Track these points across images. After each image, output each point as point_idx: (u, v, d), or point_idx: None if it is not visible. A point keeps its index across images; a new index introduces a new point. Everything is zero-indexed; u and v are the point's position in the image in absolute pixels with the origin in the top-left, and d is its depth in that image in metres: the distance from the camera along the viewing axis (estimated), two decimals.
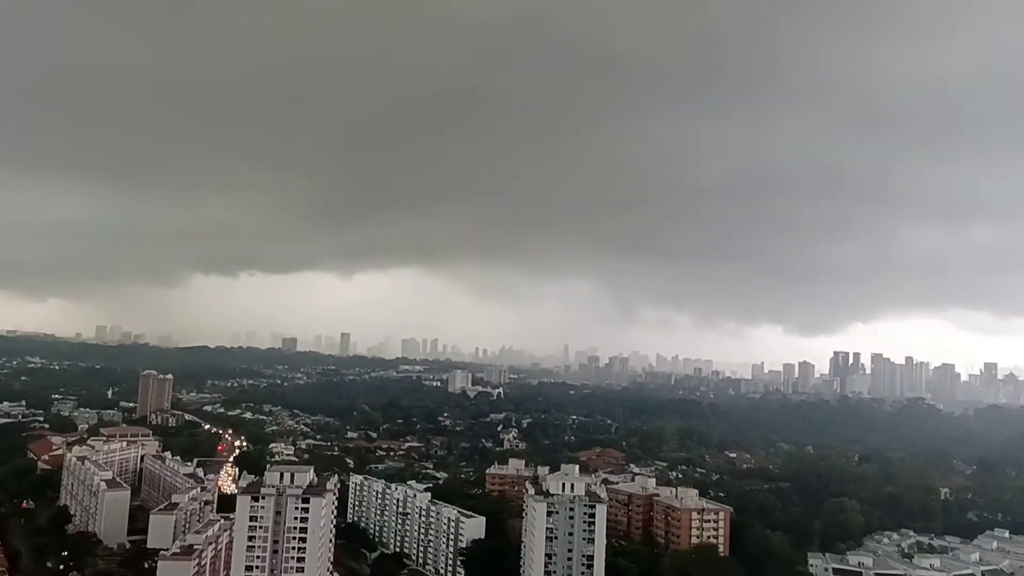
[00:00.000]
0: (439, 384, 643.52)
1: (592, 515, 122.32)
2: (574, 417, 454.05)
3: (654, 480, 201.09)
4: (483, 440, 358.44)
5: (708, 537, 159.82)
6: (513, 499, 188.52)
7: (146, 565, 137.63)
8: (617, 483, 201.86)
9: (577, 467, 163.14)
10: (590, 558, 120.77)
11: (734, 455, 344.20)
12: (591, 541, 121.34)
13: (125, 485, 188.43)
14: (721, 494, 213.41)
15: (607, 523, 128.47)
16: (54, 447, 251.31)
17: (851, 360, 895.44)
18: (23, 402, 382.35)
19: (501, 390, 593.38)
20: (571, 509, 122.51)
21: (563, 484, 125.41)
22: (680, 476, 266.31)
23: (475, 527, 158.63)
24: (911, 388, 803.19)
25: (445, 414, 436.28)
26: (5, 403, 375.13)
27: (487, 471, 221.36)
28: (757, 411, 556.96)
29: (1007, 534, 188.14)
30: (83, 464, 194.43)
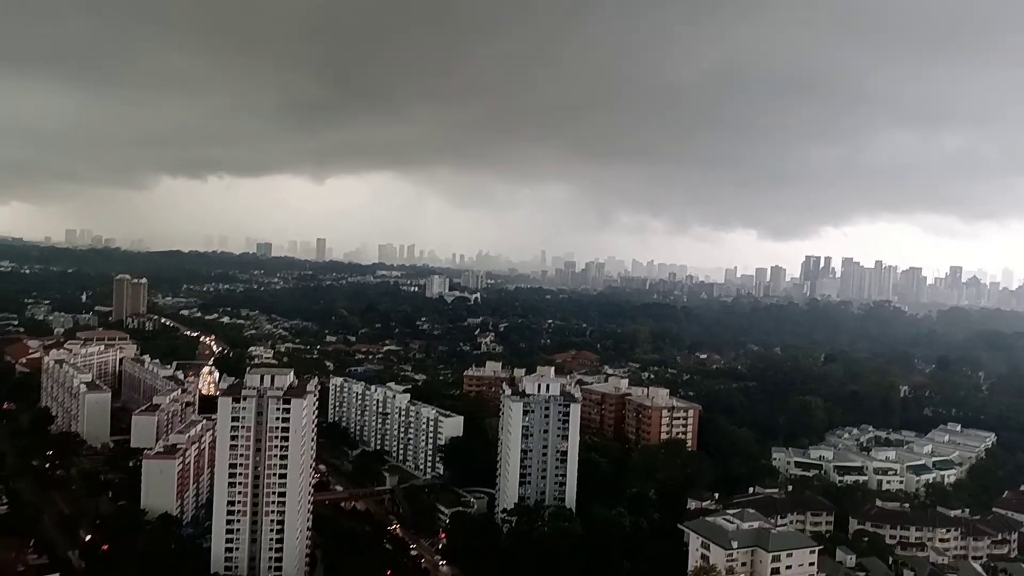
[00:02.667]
0: (417, 289, 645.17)
1: (567, 414, 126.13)
2: (550, 321, 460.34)
3: (627, 381, 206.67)
4: (461, 343, 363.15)
5: (677, 434, 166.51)
6: (490, 400, 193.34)
7: (131, 464, 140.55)
8: (591, 384, 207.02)
9: (552, 369, 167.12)
10: (564, 453, 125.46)
11: (704, 356, 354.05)
12: (565, 438, 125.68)
13: (105, 387, 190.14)
14: (691, 393, 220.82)
15: (581, 421, 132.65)
16: (31, 350, 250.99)
17: (822, 264, 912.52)
18: None
19: (478, 295, 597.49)
20: (546, 408, 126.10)
21: (539, 385, 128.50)
22: (652, 377, 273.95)
23: (453, 426, 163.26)
24: (879, 291, 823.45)
25: (423, 318, 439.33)
26: None
27: (465, 373, 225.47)
28: (729, 315, 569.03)
29: (959, 428, 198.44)
30: (62, 367, 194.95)
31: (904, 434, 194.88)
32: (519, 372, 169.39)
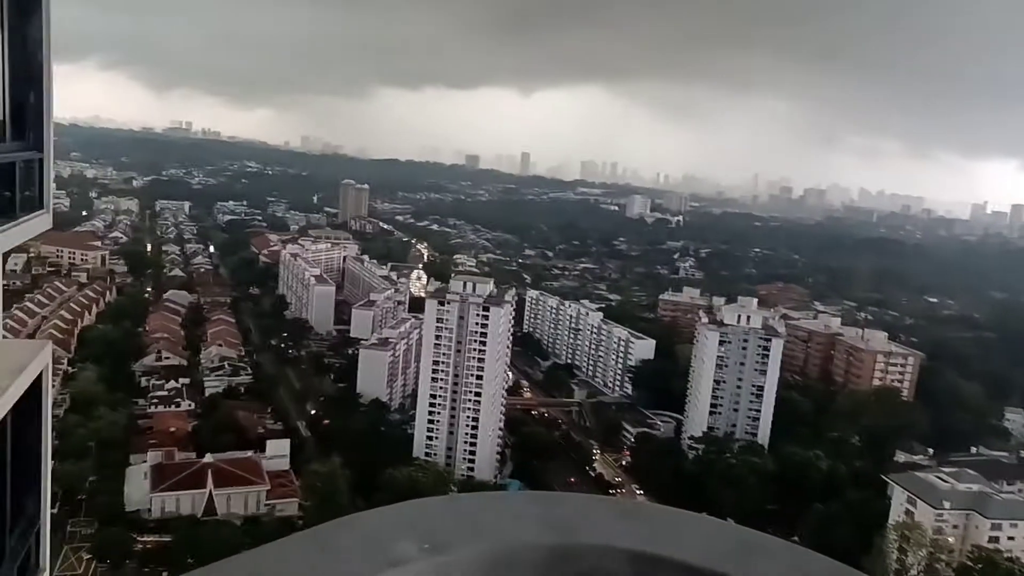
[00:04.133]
0: (617, 208, 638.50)
1: (767, 348, 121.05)
2: (757, 250, 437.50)
3: (839, 320, 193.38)
4: (658, 267, 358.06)
5: (892, 382, 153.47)
6: (685, 327, 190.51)
7: (349, 351, 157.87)
8: (798, 320, 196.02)
9: (756, 300, 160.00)
10: (760, 388, 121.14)
11: (935, 301, 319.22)
12: (763, 372, 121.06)
13: (331, 281, 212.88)
14: (913, 339, 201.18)
15: (782, 358, 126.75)
16: (271, 243, 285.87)
17: None
18: (244, 202, 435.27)
19: (681, 218, 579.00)
20: (745, 340, 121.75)
21: (739, 315, 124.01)
22: (869, 318, 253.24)
23: (645, 348, 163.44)
24: None
25: (621, 238, 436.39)
26: (231, 202, 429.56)
27: (660, 297, 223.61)
28: (970, 256, 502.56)
29: None
30: (296, 260, 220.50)
31: None
32: (718, 301, 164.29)
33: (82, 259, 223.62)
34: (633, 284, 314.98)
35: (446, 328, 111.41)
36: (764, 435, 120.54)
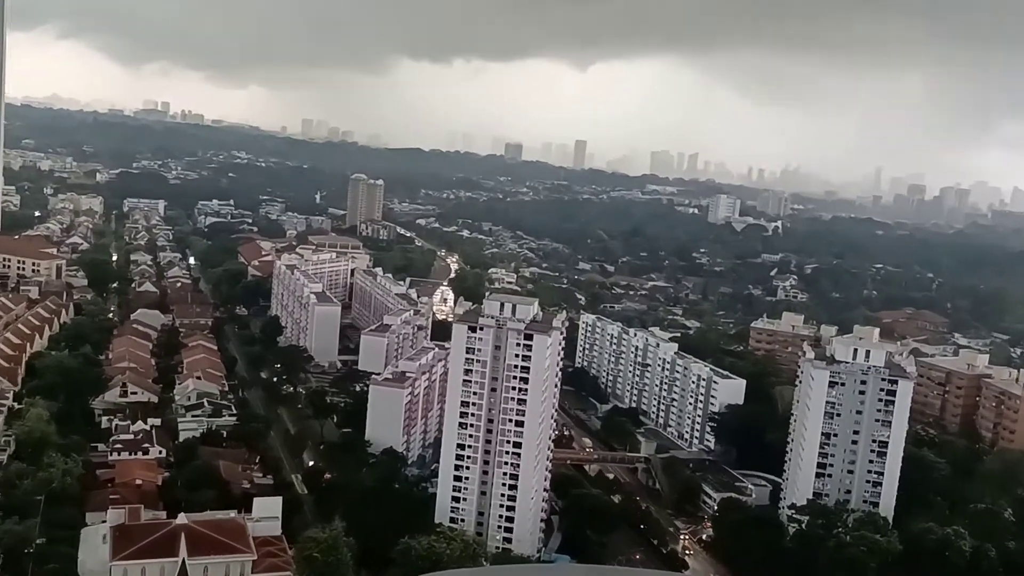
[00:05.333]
0: (696, 212, 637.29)
1: (892, 392, 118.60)
2: (879, 265, 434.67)
3: (987, 357, 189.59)
4: (750, 286, 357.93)
5: None
6: (784, 362, 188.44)
7: (357, 387, 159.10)
8: (932, 356, 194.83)
9: (877, 331, 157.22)
10: (883, 444, 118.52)
11: None
12: (887, 424, 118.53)
13: (335, 300, 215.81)
14: None
15: (912, 405, 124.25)
16: (263, 252, 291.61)
17: None
18: (231, 201, 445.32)
19: (779, 224, 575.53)
20: (862, 382, 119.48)
21: (855, 350, 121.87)
22: None
23: (732, 390, 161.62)
24: None
25: (702, 250, 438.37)
26: (215, 200, 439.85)
27: (752, 325, 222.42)
28: None
29: None
30: (293, 273, 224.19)
31: None
32: (828, 331, 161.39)
33: (33, 270, 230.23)
34: (717, 308, 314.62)
35: (478, 361, 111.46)
36: (888, 506, 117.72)
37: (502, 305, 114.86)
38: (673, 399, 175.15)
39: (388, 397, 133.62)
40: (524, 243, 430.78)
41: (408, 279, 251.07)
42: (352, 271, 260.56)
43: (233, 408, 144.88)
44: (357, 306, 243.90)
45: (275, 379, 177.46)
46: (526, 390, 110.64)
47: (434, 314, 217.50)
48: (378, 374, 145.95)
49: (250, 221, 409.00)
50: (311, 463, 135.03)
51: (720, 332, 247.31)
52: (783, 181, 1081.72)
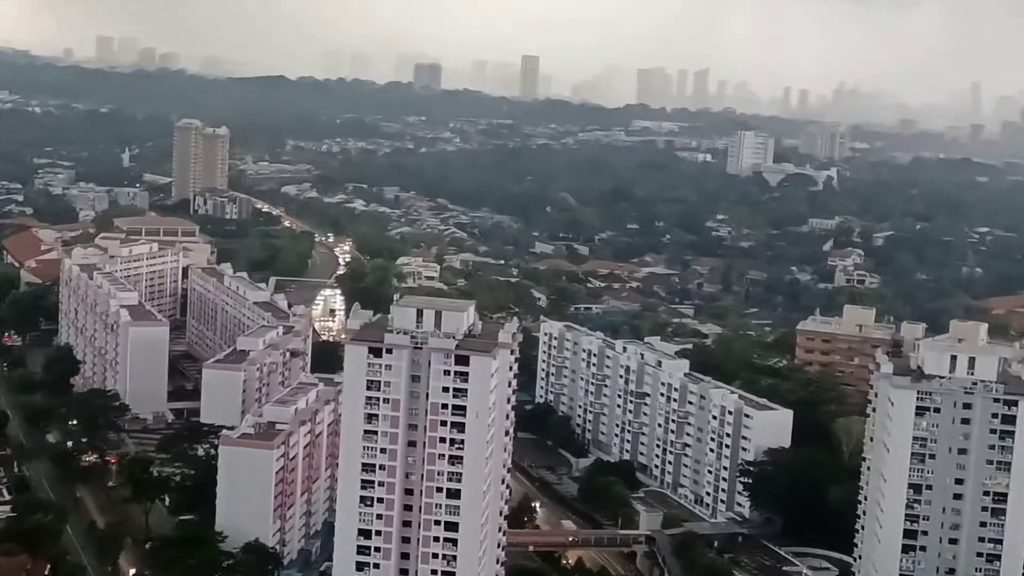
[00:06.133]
0: (710, 158, 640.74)
1: (1010, 418, 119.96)
2: (983, 230, 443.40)
3: None
4: (794, 268, 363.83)
5: None
6: (848, 380, 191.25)
7: (200, 451, 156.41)
8: None
9: (984, 328, 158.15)
10: (1000, 498, 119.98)
11: None
12: (1004, 467, 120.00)
13: (160, 317, 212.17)
14: None
15: None
16: (43, 245, 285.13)
17: None
18: None
19: (834, 173, 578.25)
20: (966, 405, 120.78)
21: (952, 358, 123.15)
22: None
23: (772, 427, 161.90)
24: None
25: (720, 217, 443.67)
26: None
27: (799, 326, 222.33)
28: None
29: None
30: (92, 278, 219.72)
31: None
32: (912, 330, 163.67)
33: None
34: (747, 303, 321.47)
35: (386, 401, 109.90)
36: None
37: (420, 313, 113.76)
38: (685, 445, 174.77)
39: (249, 463, 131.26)
40: (451, 216, 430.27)
41: (273, 279, 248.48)
42: (185, 270, 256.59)
43: (5, 492, 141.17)
44: (195, 324, 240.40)
45: (70, 444, 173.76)
46: (462, 443, 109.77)
47: (315, 331, 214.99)
48: (232, 428, 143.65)
49: (20, 199, 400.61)
50: (133, 572, 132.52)
51: (751, 340, 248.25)
52: (837, 108, 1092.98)
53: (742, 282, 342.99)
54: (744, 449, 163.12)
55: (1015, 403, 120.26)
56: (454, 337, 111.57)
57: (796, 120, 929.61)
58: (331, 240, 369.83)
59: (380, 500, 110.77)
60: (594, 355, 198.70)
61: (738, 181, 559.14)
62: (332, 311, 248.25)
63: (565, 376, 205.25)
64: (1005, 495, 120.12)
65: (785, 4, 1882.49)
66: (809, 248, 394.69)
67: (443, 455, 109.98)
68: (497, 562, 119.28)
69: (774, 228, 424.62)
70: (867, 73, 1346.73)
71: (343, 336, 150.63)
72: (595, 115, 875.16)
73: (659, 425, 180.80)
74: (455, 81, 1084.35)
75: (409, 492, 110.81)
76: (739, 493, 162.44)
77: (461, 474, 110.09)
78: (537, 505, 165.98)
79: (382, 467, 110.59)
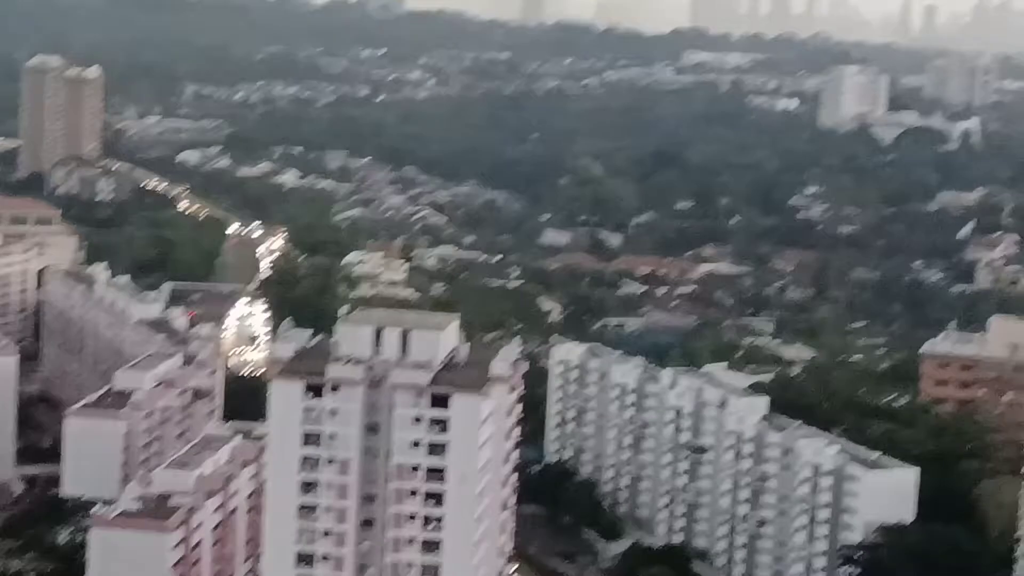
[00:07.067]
0: (794, 105, 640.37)
1: None
2: None
3: None
4: (916, 263, 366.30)
5: None
6: (998, 423, 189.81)
7: (63, 536, 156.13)
8: None
9: None
10: None
11: None
12: None
13: (3, 342, 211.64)
14: None
15: None
16: None
17: None
18: None
19: (974, 125, 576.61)
20: None
21: None
22: None
23: (888, 491, 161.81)
24: None
25: (810, 190, 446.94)
26: None
27: (925, 347, 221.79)
28: None
29: None
30: None
31: None
32: None
33: None
34: (850, 315, 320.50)
35: (331, 461, 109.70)
36: None
37: (379, 334, 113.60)
38: (763, 521, 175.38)
39: (133, 553, 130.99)
40: (422, 193, 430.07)
41: (167, 286, 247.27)
42: (41, 273, 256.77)
43: None
44: (54, 352, 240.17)
45: None
46: (440, 522, 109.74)
47: (225, 357, 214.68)
48: (108, 503, 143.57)
49: None
50: None
51: (858, 368, 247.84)
52: (978, 31, 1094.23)
53: (843, 284, 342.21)
54: (849, 526, 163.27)
55: None
56: (428, 368, 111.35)
57: (920, 50, 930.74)
58: (250, 229, 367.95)
59: None
60: (630, 391, 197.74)
61: (836, 138, 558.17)
62: (253, 339, 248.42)
63: (589, 423, 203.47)
64: None
65: None
66: (940, 234, 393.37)
67: (413, 540, 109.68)
68: None
69: (889, 205, 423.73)
70: None
71: (268, 368, 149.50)
72: (629, 45, 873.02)
73: (725, 492, 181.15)
74: None
75: None
76: None
77: (439, 568, 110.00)
78: None
79: (325, 557, 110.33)
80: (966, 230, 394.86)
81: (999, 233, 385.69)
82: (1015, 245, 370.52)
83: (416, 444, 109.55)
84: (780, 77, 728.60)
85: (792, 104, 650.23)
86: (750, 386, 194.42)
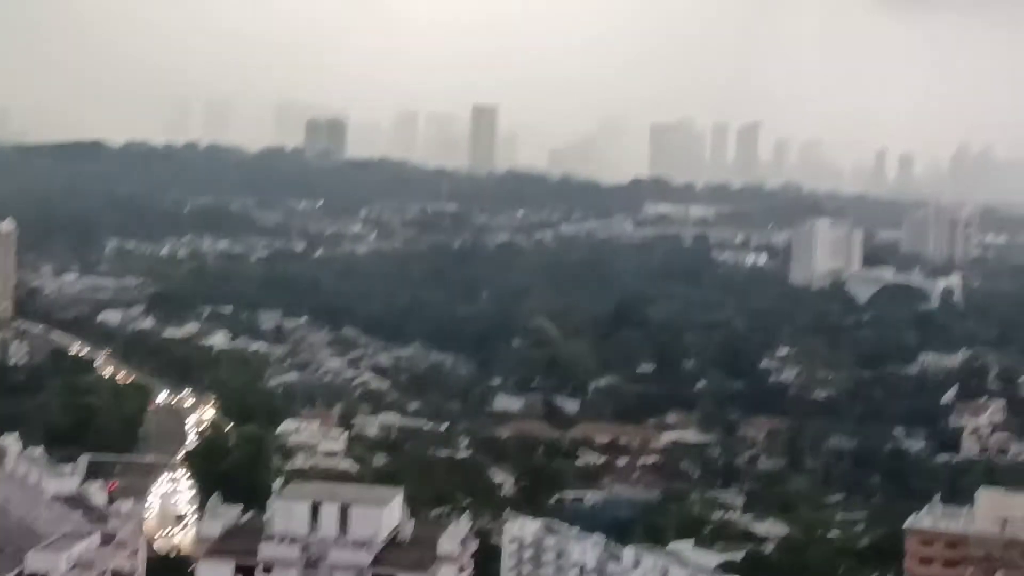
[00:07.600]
0: (763, 260, 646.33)
1: None
2: None
3: None
4: (897, 431, 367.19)
5: None
6: None
7: None
8: None
9: None
10: None
11: None
12: None
13: None
14: None
15: None
16: None
17: None
18: None
19: (955, 282, 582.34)
20: None
21: None
22: None
23: None
24: None
25: (782, 351, 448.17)
26: None
27: (909, 522, 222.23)
28: None
29: None
30: None
31: None
32: None
33: None
34: (824, 487, 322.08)
35: None
36: None
37: (315, 509, 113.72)
38: None
39: None
40: (363, 355, 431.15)
41: (84, 458, 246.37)
42: None
43: None
44: None
45: None
46: None
47: (150, 538, 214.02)
48: None
49: None
50: None
51: (835, 545, 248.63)
52: (958, 182, 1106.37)
53: (819, 454, 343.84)
54: None
55: None
56: (370, 547, 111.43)
57: (896, 201, 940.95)
58: (176, 397, 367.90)
59: None
60: (590, 572, 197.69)
61: (808, 296, 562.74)
62: (179, 518, 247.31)
63: None
64: None
65: (872, 22, 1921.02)
66: (921, 399, 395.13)
67: None
68: None
69: (866, 368, 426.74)
70: (1003, 127, 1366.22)
71: (195, 547, 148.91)
72: (586, 196, 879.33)
73: None
74: (368, 145, 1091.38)
75: None
76: None
77: None
78: None
79: None
80: (950, 395, 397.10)
81: (985, 398, 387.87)
82: (1002, 411, 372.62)
83: None
84: (748, 230, 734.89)
85: (761, 259, 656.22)
86: (720, 565, 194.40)
